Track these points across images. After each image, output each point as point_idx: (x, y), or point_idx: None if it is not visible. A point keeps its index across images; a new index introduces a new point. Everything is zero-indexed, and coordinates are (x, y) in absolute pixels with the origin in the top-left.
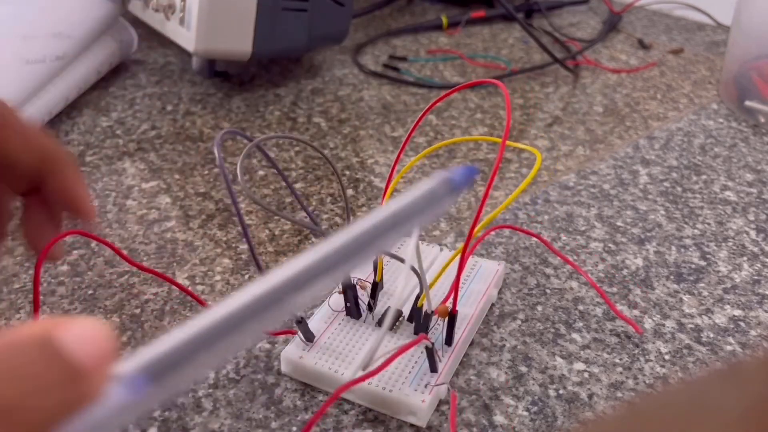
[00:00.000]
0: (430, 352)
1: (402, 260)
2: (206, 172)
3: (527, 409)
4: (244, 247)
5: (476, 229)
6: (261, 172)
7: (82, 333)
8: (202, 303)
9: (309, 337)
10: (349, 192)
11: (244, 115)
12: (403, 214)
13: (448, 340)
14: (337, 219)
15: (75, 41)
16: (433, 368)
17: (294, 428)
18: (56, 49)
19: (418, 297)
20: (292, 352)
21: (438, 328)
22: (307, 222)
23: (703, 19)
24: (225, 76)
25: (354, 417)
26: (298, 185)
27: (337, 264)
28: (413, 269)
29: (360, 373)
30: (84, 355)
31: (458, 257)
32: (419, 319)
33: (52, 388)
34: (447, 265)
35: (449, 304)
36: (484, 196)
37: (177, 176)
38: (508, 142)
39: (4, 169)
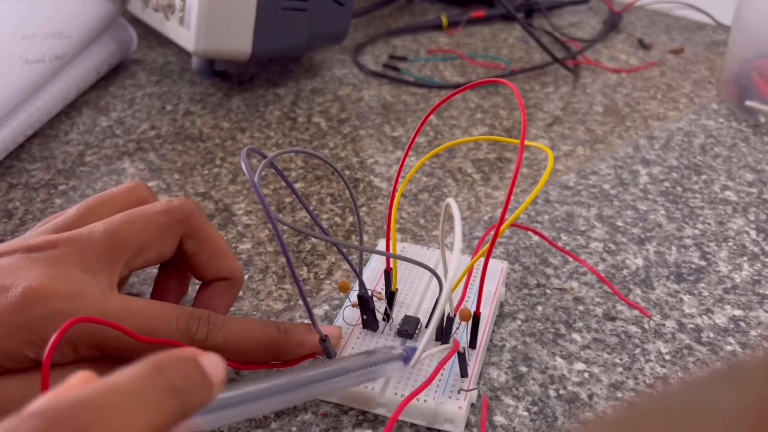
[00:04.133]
0: (462, 357)
1: (419, 265)
2: (206, 172)
3: (527, 410)
4: (244, 247)
5: (501, 228)
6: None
7: (214, 359)
8: None
9: (332, 355)
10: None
11: (244, 114)
12: (362, 370)
13: (472, 343)
14: (337, 219)
15: (74, 41)
16: (464, 373)
17: (294, 428)
18: (55, 49)
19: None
20: None
21: (457, 331)
22: (341, 242)
23: (703, 19)
24: (224, 75)
25: (354, 418)
26: (298, 185)
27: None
28: (435, 274)
29: (407, 391)
30: (214, 372)
31: (476, 260)
32: (443, 324)
33: (195, 389)
34: (470, 267)
35: (465, 306)
36: (508, 196)
37: (177, 176)
38: (513, 141)
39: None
